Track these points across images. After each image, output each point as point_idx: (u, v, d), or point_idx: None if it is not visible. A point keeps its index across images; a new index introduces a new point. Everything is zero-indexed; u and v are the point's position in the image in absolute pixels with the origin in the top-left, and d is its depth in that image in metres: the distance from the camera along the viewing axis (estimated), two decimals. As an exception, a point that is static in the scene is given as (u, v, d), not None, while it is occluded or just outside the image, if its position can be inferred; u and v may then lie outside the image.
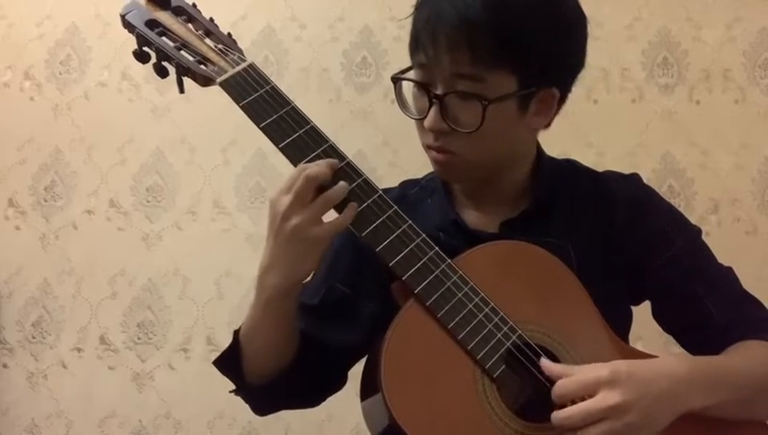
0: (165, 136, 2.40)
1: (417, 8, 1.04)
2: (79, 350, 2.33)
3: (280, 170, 2.29)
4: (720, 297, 1.10)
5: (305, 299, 1.13)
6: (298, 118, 0.99)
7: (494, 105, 0.98)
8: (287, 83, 2.35)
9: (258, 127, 0.98)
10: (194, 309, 2.33)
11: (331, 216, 0.99)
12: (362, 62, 2.41)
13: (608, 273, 1.09)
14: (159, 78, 1.05)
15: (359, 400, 1.03)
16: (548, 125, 1.12)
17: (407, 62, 1.07)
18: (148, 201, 2.38)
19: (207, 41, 1.07)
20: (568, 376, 0.91)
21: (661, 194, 1.20)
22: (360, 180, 0.98)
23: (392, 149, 2.33)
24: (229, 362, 1.06)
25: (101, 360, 2.33)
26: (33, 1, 2.46)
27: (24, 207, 2.40)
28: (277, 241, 0.95)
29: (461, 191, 1.16)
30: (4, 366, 2.34)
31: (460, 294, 0.96)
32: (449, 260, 0.98)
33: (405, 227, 0.98)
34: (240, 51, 1.06)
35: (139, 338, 2.33)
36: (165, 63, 1.05)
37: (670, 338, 1.17)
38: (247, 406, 1.13)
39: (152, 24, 1.06)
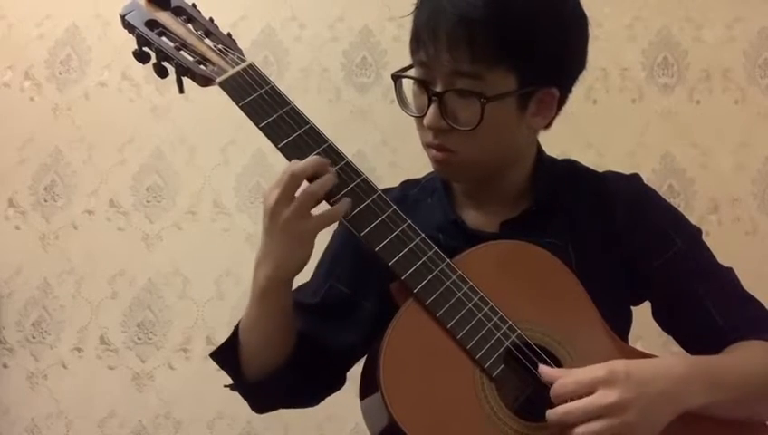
0: (165, 136, 2.40)
1: (418, 7, 1.05)
2: (79, 350, 2.33)
3: (279, 170, 2.27)
4: (720, 297, 1.10)
5: (305, 299, 1.13)
6: (297, 118, 1.00)
7: (492, 103, 0.99)
8: (287, 83, 2.35)
9: (258, 127, 0.99)
10: (194, 309, 2.33)
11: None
12: (362, 62, 2.41)
13: (608, 273, 1.09)
14: (159, 78, 1.06)
15: (358, 400, 1.03)
16: (548, 125, 1.12)
17: (406, 62, 1.07)
18: (148, 201, 2.38)
19: (207, 41, 1.07)
20: (565, 377, 0.91)
21: (661, 194, 1.20)
22: (359, 180, 0.99)
23: (392, 149, 2.33)
24: (227, 356, 1.07)
25: (101, 360, 2.33)
26: (33, 1, 2.46)
27: (24, 207, 2.40)
28: (268, 235, 0.97)
29: (461, 191, 1.16)
30: (4, 366, 2.34)
31: (459, 294, 0.96)
32: (448, 260, 0.98)
33: (404, 226, 0.98)
34: (240, 51, 1.06)
35: (139, 338, 2.33)
36: (165, 64, 1.05)
37: (670, 338, 1.17)
38: (247, 406, 1.13)
39: (152, 24, 1.06)
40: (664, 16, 2.36)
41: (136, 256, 2.36)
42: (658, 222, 1.13)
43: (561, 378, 0.91)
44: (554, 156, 1.19)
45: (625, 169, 1.21)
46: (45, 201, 2.40)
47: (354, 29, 2.42)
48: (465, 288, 0.97)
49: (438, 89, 1.01)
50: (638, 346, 1.07)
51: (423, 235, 0.98)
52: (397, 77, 1.07)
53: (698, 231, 1.17)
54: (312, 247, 0.98)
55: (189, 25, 1.08)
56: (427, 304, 0.94)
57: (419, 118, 1.05)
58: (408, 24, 1.07)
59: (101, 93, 2.43)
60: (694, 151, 2.32)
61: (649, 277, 1.12)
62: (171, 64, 1.04)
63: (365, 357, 1.04)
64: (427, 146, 1.06)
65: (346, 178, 0.98)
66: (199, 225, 2.37)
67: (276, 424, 2.24)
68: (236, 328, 1.08)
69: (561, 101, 1.08)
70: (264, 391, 1.08)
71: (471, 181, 1.14)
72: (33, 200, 2.40)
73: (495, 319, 0.96)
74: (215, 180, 2.37)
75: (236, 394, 1.12)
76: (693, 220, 1.18)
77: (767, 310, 1.12)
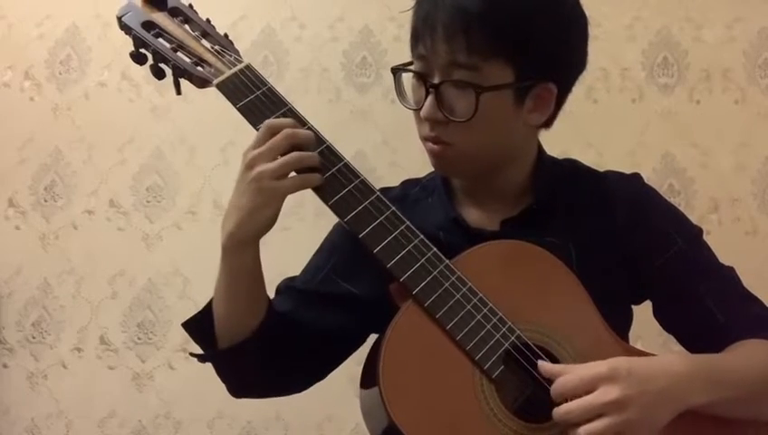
0: (165, 136, 2.40)
1: (418, 2, 1.05)
2: (79, 350, 2.33)
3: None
4: (721, 296, 1.10)
5: (298, 284, 1.14)
6: (295, 119, 1.00)
7: (488, 94, 0.99)
8: (287, 84, 2.35)
9: (255, 129, 0.99)
10: (194, 309, 2.30)
11: (329, 215, 0.99)
12: (362, 62, 2.41)
13: (608, 272, 1.09)
14: (157, 80, 1.05)
15: (358, 400, 1.03)
16: (548, 124, 1.12)
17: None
18: (148, 201, 2.38)
19: (204, 42, 1.07)
20: (566, 374, 0.91)
21: (661, 194, 1.20)
22: (357, 181, 0.99)
23: (392, 149, 2.33)
24: (198, 325, 1.07)
25: (101, 360, 2.33)
26: (33, 1, 2.47)
27: (24, 207, 2.40)
28: (238, 189, 0.97)
29: (461, 190, 1.16)
30: (4, 366, 2.34)
31: (458, 295, 0.96)
32: (447, 261, 0.98)
33: (403, 227, 0.98)
34: (237, 52, 1.06)
35: (139, 338, 2.33)
36: (161, 65, 1.05)
37: (670, 337, 1.17)
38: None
39: (149, 25, 1.06)
40: (664, 16, 2.36)
41: (136, 256, 2.36)
42: (659, 221, 1.13)
43: (562, 375, 0.91)
44: (555, 156, 1.19)
45: (625, 168, 1.21)
46: (45, 201, 2.40)
47: (354, 29, 2.42)
48: (464, 289, 0.97)
49: (435, 80, 1.02)
50: (638, 346, 1.07)
51: (422, 236, 0.98)
52: (396, 70, 1.08)
53: (699, 230, 1.17)
54: (278, 210, 0.97)
55: (186, 26, 1.08)
56: (426, 305, 0.94)
57: (417, 111, 1.05)
58: (408, 23, 1.07)
59: (101, 93, 2.43)
60: (694, 151, 2.32)
61: (650, 276, 1.12)
62: (168, 66, 1.04)
63: (365, 357, 1.04)
64: (424, 139, 1.07)
65: (344, 180, 0.98)
66: (199, 225, 2.37)
67: (276, 424, 2.24)
68: (210, 300, 1.08)
69: (560, 99, 1.08)
70: (231, 361, 1.06)
71: (468, 176, 1.14)
72: (33, 200, 2.40)
73: (495, 320, 0.96)
74: (215, 180, 2.37)
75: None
76: (693, 220, 1.18)
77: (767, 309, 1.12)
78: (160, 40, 1.05)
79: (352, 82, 2.40)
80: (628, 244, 1.11)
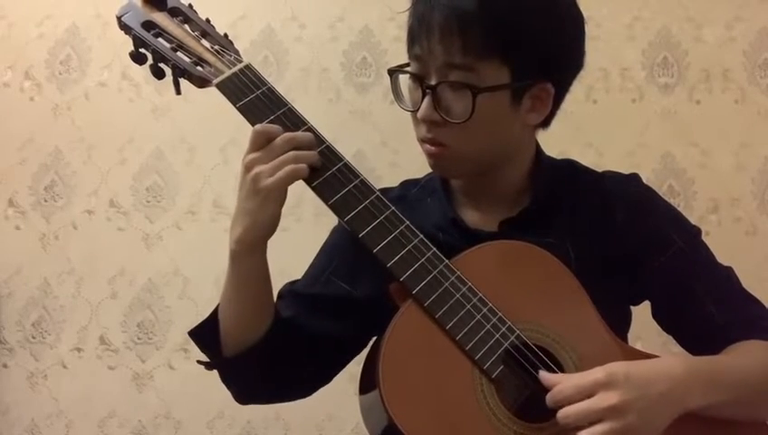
0: (165, 136, 2.40)
1: (414, 3, 1.05)
2: (79, 350, 2.33)
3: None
4: (720, 297, 1.10)
5: (300, 288, 1.14)
6: (295, 119, 1.00)
7: (485, 95, 0.99)
8: (287, 83, 2.35)
9: (254, 128, 0.99)
10: (194, 309, 2.33)
11: (328, 215, 0.99)
12: (362, 63, 2.41)
13: (607, 273, 1.09)
14: (156, 79, 1.05)
15: (358, 400, 1.03)
16: (546, 124, 1.12)
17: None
18: (148, 201, 2.38)
19: (204, 42, 1.07)
20: (562, 383, 0.91)
21: (661, 194, 1.20)
22: (357, 181, 0.99)
23: (392, 149, 2.33)
24: (204, 333, 1.07)
25: (101, 360, 2.33)
26: (33, 1, 2.47)
27: (24, 207, 2.40)
28: (240, 194, 0.98)
29: (460, 190, 1.16)
30: (4, 366, 2.34)
31: (458, 295, 0.96)
32: (447, 261, 0.98)
33: (402, 227, 0.98)
34: (236, 51, 1.06)
35: (139, 338, 2.33)
36: (161, 65, 1.05)
37: (670, 338, 1.17)
38: (247, 406, 1.13)
39: (148, 25, 1.06)
40: (664, 16, 2.36)
41: (136, 256, 2.36)
42: (658, 222, 1.13)
43: (558, 384, 0.91)
44: (554, 156, 1.19)
45: (625, 169, 1.21)
46: (45, 201, 2.40)
47: (354, 29, 2.42)
48: (464, 289, 0.97)
49: (432, 82, 1.02)
50: (638, 346, 1.06)
51: (422, 236, 0.98)
52: (393, 72, 1.08)
53: (698, 231, 1.17)
54: (278, 209, 0.97)
55: (186, 26, 1.08)
56: (426, 304, 0.94)
57: (414, 112, 1.05)
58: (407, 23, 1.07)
59: (101, 93, 2.43)
60: (694, 151, 2.31)
61: (649, 277, 1.12)
62: (168, 66, 1.04)
63: (365, 357, 1.04)
64: (421, 141, 1.07)
65: (344, 180, 0.98)
66: (199, 225, 2.37)
67: (276, 424, 2.24)
68: (216, 308, 1.07)
69: (558, 99, 1.08)
70: (239, 369, 1.06)
71: (466, 177, 1.14)
72: (33, 200, 2.40)
73: (494, 320, 0.96)
74: (215, 180, 2.37)
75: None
76: (693, 220, 1.18)
77: (767, 309, 1.12)
78: (160, 40, 1.05)
79: (352, 82, 2.40)
80: (627, 244, 1.11)
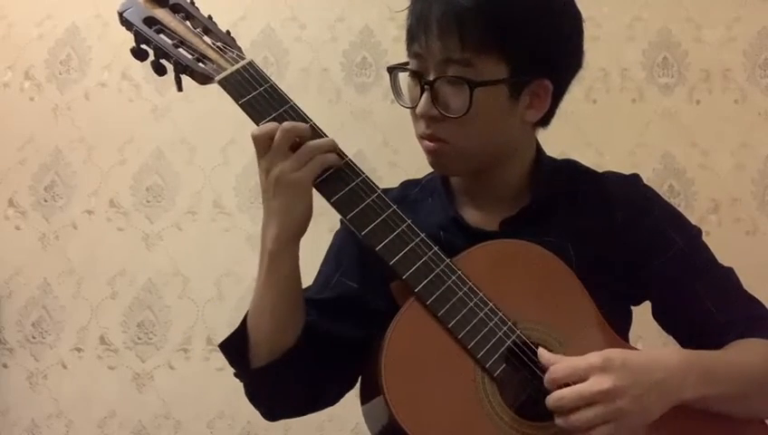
0: (165, 136, 2.40)
1: (413, 1, 1.06)
2: (79, 350, 2.33)
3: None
4: (720, 297, 1.11)
5: (313, 294, 1.13)
6: (297, 116, 1.00)
7: (482, 90, 1.00)
8: (287, 83, 2.33)
9: (257, 125, 0.99)
10: (194, 309, 2.33)
11: (329, 215, 0.99)
12: (362, 63, 2.41)
13: (607, 273, 1.09)
14: (158, 76, 1.05)
15: (359, 400, 1.03)
16: (546, 123, 1.12)
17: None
18: (148, 201, 2.38)
19: (206, 38, 1.07)
20: (560, 363, 0.92)
21: (661, 194, 1.20)
22: (358, 180, 0.99)
23: (392, 149, 2.33)
24: (236, 346, 1.05)
25: (101, 360, 2.32)
26: (33, 1, 2.47)
27: (24, 207, 2.40)
28: (266, 197, 0.98)
29: (461, 190, 1.16)
30: (4, 366, 2.34)
31: (460, 294, 0.96)
32: (448, 260, 0.98)
33: (404, 226, 0.98)
34: (239, 49, 1.06)
35: (139, 338, 2.33)
36: (163, 61, 1.05)
37: (670, 338, 1.17)
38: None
39: (150, 21, 1.06)
40: (664, 16, 2.36)
41: (136, 256, 2.35)
42: (658, 222, 1.14)
43: (555, 364, 0.92)
44: (554, 156, 1.19)
45: (625, 168, 1.21)
46: (45, 201, 2.40)
47: (354, 29, 2.42)
48: (465, 288, 0.97)
49: (430, 77, 1.02)
50: (639, 346, 1.07)
51: (423, 235, 0.99)
52: (392, 69, 1.09)
53: (698, 231, 1.17)
54: (311, 201, 0.98)
55: (188, 23, 1.08)
56: (427, 303, 0.95)
57: (413, 108, 1.06)
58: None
59: (101, 93, 2.43)
60: (694, 151, 2.32)
61: (649, 277, 1.12)
62: (170, 62, 1.04)
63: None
64: (420, 137, 1.08)
65: (346, 178, 0.98)
66: (199, 225, 2.37)
67: (276, 424, 2.22)
68: (243, 321, 1.05)
69: (557, 97, 1.09)
70: (272, 378, 1.04)
71: (466, 175, 1.14)
72: (33, 200, 2.40)
73: (496, 319, 0.96)
74: (215, 180, 2.37)
75: (236, 394, 1.10)
76: (693, 220, 1.18)
77: (767, 309, 1.12)
78: (162, 36, 1.05)
79: (352, 82, 2.40)
80: (627, 244, 1.11)
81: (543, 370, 0.93)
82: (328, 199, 0.98)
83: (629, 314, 1.17)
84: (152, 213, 2.38)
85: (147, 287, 2.34)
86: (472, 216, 1.14)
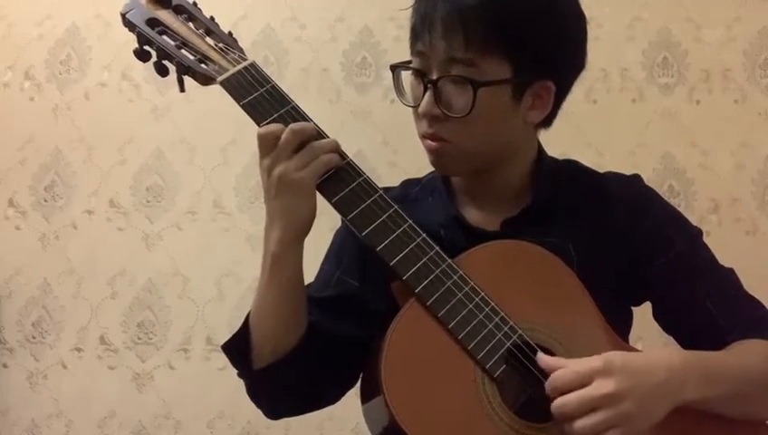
0: (165, 136, 2.40)
1: (417, 0, 1.06)
2: (79, 350, 2.33)
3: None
4: (721, 298, 1.10)
5: (314, 292, 1.13)
6: (298, 117, 1.00)
7: (485, 90, 1.00)
8: (287, 83, 2.32)
9: (259, 126, 0.99)
10: (194, 309, 2.33)
11: (329, 214, 0.99)
12: (362, 63, 2.41)
13: (608, 273, 1.09)
14: (160, 77, 1.05)
15: (359, 400, 1.03)
16: (548, 123, 1.12)
17: (407, 63, 1.08)
18: (148, 201, 2.38)
19: (208, 40, 1.07)
20: (562, 368, 0.91)
21: (661, 194, 1.20)
22: (360, 180, 0.99)
23: (392, 149, 2.33)
24: (238, 346, 1.05)
25: (101, 360, 2.32)
26: (33, 1, 2.47)
27: (24, 207, 2.40)
28: (268, 196, 0.98)
29: (461, 189, 1.16)
30: (4, 366, 2.34)
31: (460, 294, 0.96)
32: (449, 260, 0.98)
33: (405, 226, 0.98)
34: (241, 50, 1.06)
35: (139, 338, 2.33)
36: (165, 62, 1.05)
37: (670, 338, 1.17)
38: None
39: (153, 22, 1.06)
40: (664, 16, 2.36)
41: (136, 256, 2.35)
42: (659, 223, 1.13)
43: (557, 369, 0.91)
44: (555, 156, 1.19)
45: (625, 168, 1.21)
46: (45, 201, 2.40)
47: (354, 29, 2.42)
48: (466, 288, 0.97)
49: (433, 76, 1.02)
50: (639, 346, 1.07)
51: (424, 235, 0.99)
52: (395, 68, 1.09)
53: (699, 232, 1.17)
54: (314, 201, 0.98)
55: (190, 24, 1.08)
56: (428, 304, 0.94)
57: (416, 108, 1.06)
58: (408, 24, 1.07)
59: (101, 93, 2.43)
60: (694, 151, 2.32)
61: (650, 278, 1.12)
62: (172, 63, 1.04)
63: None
64: (422, 137, 1.07)
65: (347, 178, 0.98)
66: (199, 225, 2.37)
67: (277, 424, 2.22)
68: (245, 321, 1.06)
69: (559, 98, 1.09)
70: (275, 379, 1.04)
71: (467, 175, 1.14)
72: (33, 200, 2.40)
73: (497, 319, 0.96)
74: (215, 180, 2.37)
75: (237, 394, 1.11)
76: (693, 220, 1.18)
77: (767, 310, 1.12)
78: (164, 37, 1.05)
79: (352, 82, 2.41)
80: (628, 245, 1.11)
81: (544, 373, 0.93)
82: (329, 200, 0.98)
83: (630, 315, 1.17)
84: (152, 213, 2.38)
85: (147, 287, 2.34)
86: (473, 216, 1.14)
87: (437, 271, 0.96)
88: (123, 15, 1.06)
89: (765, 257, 2.21)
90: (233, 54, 1.04)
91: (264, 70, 1.03)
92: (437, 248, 0.98)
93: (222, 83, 1.01)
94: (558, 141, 1.21)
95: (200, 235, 2.36)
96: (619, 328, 1.07)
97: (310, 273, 1.15)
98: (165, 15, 1.07)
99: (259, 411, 1.13)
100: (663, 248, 1.12)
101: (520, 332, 0.97)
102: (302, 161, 0.96)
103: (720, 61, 2.34)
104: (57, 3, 2.46)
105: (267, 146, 0.97)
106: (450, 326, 0.94)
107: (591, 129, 2.28)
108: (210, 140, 2.37)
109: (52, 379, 2.33)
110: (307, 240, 1.02)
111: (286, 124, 0.98)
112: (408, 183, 1.24)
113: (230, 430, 2.26)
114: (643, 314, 1.18)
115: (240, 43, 1.08)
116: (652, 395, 0.90)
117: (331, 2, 2.44)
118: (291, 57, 2.41)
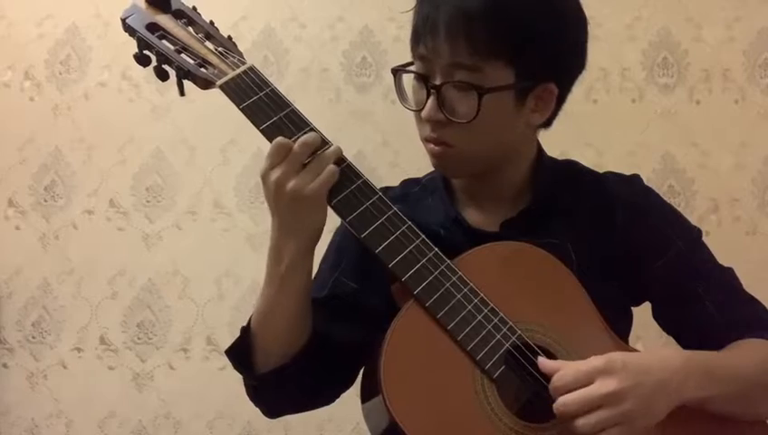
0: (165, 136, 2.40)
1: (418, 3, 1.05)
2: (79, 350, 2.33)
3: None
4: (720, 298, 1.10)
5: (312, 293, 1.12)
6: (298, 120, 1.00)
7: (490, 96, 0.99)
8: (287, 83, 2.35)
9: (258, 129, 0.99)
10: (194, 309, 2.33)
11: (329, 215, 1.00)
12: (362, 63, 2.41)
13: (608, 274, 1.09)
14: (161, 81, 1.06)
15: (359, 400, 1.03)
16: (548, 124, 1.12)
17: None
18: (148, 201, 2.38)
19: (208, 44, 1.07)
20: (563, 370, 0.92)
21: (661, 194, 1.20)
22: (359, 182, 0.99)
23: (392, 150, 2.33)
24: (241, 351, 1.05)
25: (101, 360, 2.33)
26: (33, 1, 2.46)
27: (24, 207, 2.40)
28: (279, 209, 0.98)
29: (461, 190, 1.16)
30: (4, 366, 2.34)
31: (459, 295, 0.96)
32: (449, 261, 0.98)
33: (404, 228, 0.98)
34: (240, 53, 1.06)
35: (139, 338, 2.33)
36: (165, 67, 1.05)
37: (670, 339, 1.17)
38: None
39: (153, 27, 1.06)
40: (664, 16, 2.36)
41: (136, 256, 2.36)
42: (659, 223, 1.14)
43: (559, 371, 0.91)
44: (555, 156, 1.19)
45: (625, 168, 1.21)
46: (45, 201, 2.40)
47: (354, 29, 2.42)
48: (465, 290, 0.97)
49: (437, 81, 1.02)
50: (639, 346, 1.07)
51: (423, 236, 0.99)
52: (396, 71, 1.08)
53: (698, 232, 1.17)
54: (326, 209, 0.99)
55: (190, 28, 1.08)
56: (427, 305, 0.95)
57: (418, 112, 1.05)
58: (408, 24, 1.07)
59: (101, 93, 2.43)
60: (694, 151, 2.32)
61: (649, 278, 1.12)
62: (172, 67, 1.04)
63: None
64: (425, 140, 1.07)
65: (346, 181, 0.98)
66: (199, 225, 2.37)
67: (276, 424, 2.24)
68: (248, 326, 1.06)
69: (560, 99, 1.09)
70: (278, 383, 1.05)
71: (469, 177, 1.14)
72: (33, 200, 2.40)
73: (496, 320, 0.96)
74: (215, 180, 2.38)
75: (236, 394, 1.11)
76: (693, 220, 1.18)
77: (767, 310, 1.12)
78: (164, 42, 1.05)
79: (352, 82, 2.40)
80: (628, 245, 1.11)
81: (543, 374, 0.93)
82: (328, 203, 0.98)
83: (630, 315, 1.17)
84: (152, 213, 2.38)
85: (147, 287, 2.35)
86: (473, 216, 1.14)
87: (436, 272, 0.97)
88: (123, 20, 1.06)
89: (765, 257, 2.22)
90: (232, 58, 1.04)
91: (262, 73, 1.03)
92: (436, 250, 0.98)
93: (221, 87, 1.01)
94: (558, 141, 1.21)
95: (200, 235, 2.36)
96: (619, 328, 1.07)
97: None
98: (165, 20, 1.07)
99: (259, 411, 1.13)
100: (663, 248, 1.12)
101: (519, 332, 0.97)
102: (312, 174, 0.96)
103: (720, 61, 2.34)
104: (57, 3, 2.46)
105: (279, 156, 0.96)
106: (449, 327, 0.94)
107: (591, 129, 2.28)
108: (210, 140, 2.37)
109: (53, 379, 2.33)
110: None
111: (285, 127, 0.98)
112: (407, 183, 1.24)
113: (230, 430, 2.27)
114: (643, 314, 1.18)
115: (240, 44, 1.09)
116: (653, 394, 0.91)
117: (331, 2, 2.43)
118: (291, 57, 2.41)
